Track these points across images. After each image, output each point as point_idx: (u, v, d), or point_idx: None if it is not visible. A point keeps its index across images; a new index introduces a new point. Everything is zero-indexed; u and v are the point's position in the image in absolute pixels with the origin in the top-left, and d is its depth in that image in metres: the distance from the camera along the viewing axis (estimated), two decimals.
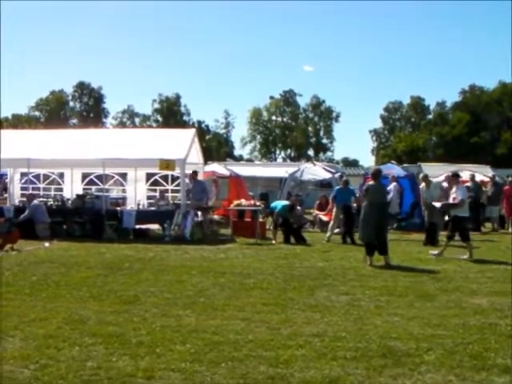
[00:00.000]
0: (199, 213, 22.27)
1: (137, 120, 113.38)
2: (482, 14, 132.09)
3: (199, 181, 22.95)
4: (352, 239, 19.94)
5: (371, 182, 15.90)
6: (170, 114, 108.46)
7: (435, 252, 16.98)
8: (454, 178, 17.98)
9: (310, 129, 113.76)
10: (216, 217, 25.90)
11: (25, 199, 22.53)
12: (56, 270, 13.69)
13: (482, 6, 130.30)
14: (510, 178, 27.06)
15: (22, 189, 25.02)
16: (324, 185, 32.73)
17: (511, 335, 8.20)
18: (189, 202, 21.86)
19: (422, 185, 21.10)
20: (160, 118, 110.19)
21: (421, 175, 22.00)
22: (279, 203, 21.40)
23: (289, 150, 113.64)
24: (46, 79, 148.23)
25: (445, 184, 20.57)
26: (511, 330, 8.45)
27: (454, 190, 17.30)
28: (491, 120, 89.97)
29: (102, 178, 24.07)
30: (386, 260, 14.90)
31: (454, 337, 8.08)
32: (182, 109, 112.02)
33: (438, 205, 18.26)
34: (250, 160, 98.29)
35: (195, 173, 22.64)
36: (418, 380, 6.47)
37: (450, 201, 17.17)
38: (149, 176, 26.04)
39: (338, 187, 22.25)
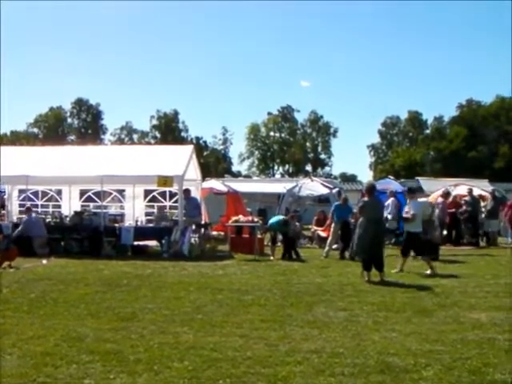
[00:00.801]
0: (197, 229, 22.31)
1: (135, 136, 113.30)
2: (480, 29, 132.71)
3: (192, 197, 22.90)
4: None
5: (366, 198, 15.88)
6: (168, 130, 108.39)
7: (396, 270, 16.70)
8: (409, 192, 18.09)
9: (307, 144, 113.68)
10: (214, 233, 25.90)
11: (23, 216, 22.52)
12: (54, 287, 13.67)
13: (479, 21, 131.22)
14: None
15: (20, 206, 25.00)
16: (322, 200, 32.64)
17: (510, 350, 8.18)
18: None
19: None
20: (158, 135, 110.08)
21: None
22: (275, 219, 21.43)
23: (287, 166, 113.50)
24: (44, 96, 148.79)
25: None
26: (510, 345, 8.43)
27: (408, 204, 17.34)
28: (489, 134, 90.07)
29: (100, 195, 24.10)
30: (382, 277, 14.87)
31: (453, 352, 8.06)
32: (180, 125, 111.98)
33: (389, 217, 18.39)
34: (248, 176, 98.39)
35: (187, 191, 22.52)
36: None
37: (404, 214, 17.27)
38: (147, 192, 26.08)
39: (336, 203, 22.25)
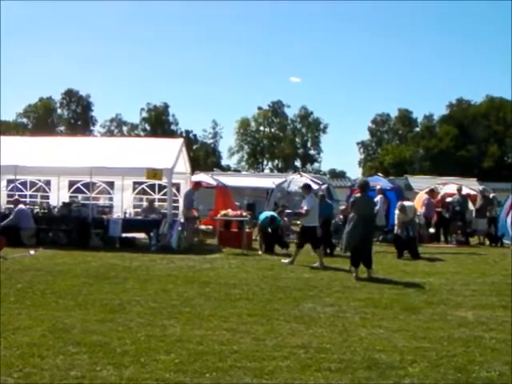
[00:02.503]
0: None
1: (125, 129, 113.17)
2: (471, 28, 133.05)
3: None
4: (331, 251, 20.02)
5: (358, 195, 15.86)
6: (158, 123, 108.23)
7: (286, 261, 17.51)
8: (305, 188, 18.52)
9: (297, 140, 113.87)
10: (203, 227, 25.89)
11: (11, 206, 22.45)
12: (41, 277, 13.63)
13: (470, 20, 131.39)
14: None
15: (9, 196, 24.90)
16: None
17: (496, 348, 8.21)
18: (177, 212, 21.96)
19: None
20: (148, 127, 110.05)
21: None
22: (263, 215, 21.42)
23: (276, 161, 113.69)
24: (34, 86, 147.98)
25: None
26: (496, 343, 8.46)
27: (304, 199, 17.96)
28: (478, 133, 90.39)
29: (89, 186, 24.03)
30: (370, 273, 14.88)
31: (439, 349, 8.09)
32: (170, 118, 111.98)
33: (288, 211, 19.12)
34: (237, 170, 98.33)
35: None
36: None
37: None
38: (136, 185, 26.04)
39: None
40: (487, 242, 25.84)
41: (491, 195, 27.74)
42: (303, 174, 35.57)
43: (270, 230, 20.74)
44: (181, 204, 24.30)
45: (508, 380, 6.91)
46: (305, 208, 17.39)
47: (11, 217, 20.87)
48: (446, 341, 8.55)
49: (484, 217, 26.32)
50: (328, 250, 20.04)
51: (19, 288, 12.16)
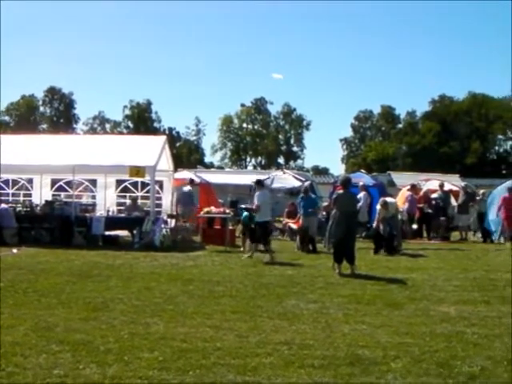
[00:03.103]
0: (169, 220, 22.34)
1: (107, 126, 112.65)
2: (454, 24, 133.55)
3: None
4: (314, 248, 20.14)
5: (341, 191, 15.90)
6: (141, 120, 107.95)
7: (246, 255, 18.16)
8: (257, 184, 18.93)
9: (280, 137, 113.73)
10: (187, 224, 25.89)
11: None
12: (24, 276, 13.60)
13: (453, 17, 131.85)
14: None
15: None
16: (294, 193, 32.66)
17: (478, 343, 8.26)
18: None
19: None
20: (131, 125, 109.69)
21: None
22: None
23: (259, 158, 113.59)
24: (16, 84, 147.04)
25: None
26: (478, 338, 8.51)
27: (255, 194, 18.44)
28: (460, 130, 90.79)
29: (72, 184, 23.97)
30: (353, 269, 14.91)
31: (421, 345, 8.12)
32: (153, 115, 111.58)
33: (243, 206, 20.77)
34: (220, 167, 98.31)
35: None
36: None
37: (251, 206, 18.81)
38: (119, 182, 25.97)
39: (301, 195, 22.16)
40: (470, 238, 26.00)
41: (481, 192, 27.86)
42: (286, 170, 35.55)
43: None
44: (165, 202, 24.36)
45: (490, 374, 6.95)
46: (256, 203, 17.88)
47: None
48: (429, 336, 8.59)
49: (466, 212, 26.47)
50: (310, 247, 20.15)
51: (1, 287, 12.09)
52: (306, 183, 28.35)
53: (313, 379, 6.71)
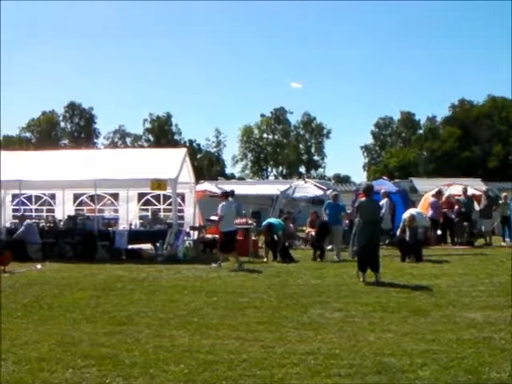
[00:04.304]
0: (191, 232, 22.38)
1: (128, 140, 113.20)
2: (473, 29, 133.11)
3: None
4: (321, 255, 20.12)
5: (363, 199, 15.82)
6: (162, 133, 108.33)
7: (215, 265, 18.28)
8: (223, 195, 19.36)
9: (301, 146, 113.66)
10: (209, 236, 25.88)
11: (17, 221, 22.53)
12: (48, 291, 13.64)
13: (472, 22, 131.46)
14: None
15: (14, 210, 24.97)
16: (316, 202, 32.66)
17: (505, 349, 8.18)
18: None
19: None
20: (151, 138, 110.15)
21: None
22: (271, 220, 21.46)
23: (280, 168, 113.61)
24: (36, 100, 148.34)
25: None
26: (505, 344, 8.43)
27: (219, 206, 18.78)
28: (482, 134, 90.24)
29: (94, 199, 24.07)
30: (377, 277, 14.83)
31: (449, 352, 8.05)
32: (173, 128, 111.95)
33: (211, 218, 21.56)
34: (241, 178, 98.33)
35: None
36: None
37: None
38: (140, 196, 26.06)
39: (328, 201, 22.16)
40: (494, 243, 25.78)
41: (503, 195, 27.69)
42: (308, 179, 35.57)
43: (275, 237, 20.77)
44: (188, 214, 24.42)
45: None
46: (219, 214, 18.51)
47: (20, 231, 20.96)
48: (456, 343, 8.52)
49: (489, 217, 26.27)
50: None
51: (26, 302, 12.17)
52: (330, 192, 28.33)
53: None
